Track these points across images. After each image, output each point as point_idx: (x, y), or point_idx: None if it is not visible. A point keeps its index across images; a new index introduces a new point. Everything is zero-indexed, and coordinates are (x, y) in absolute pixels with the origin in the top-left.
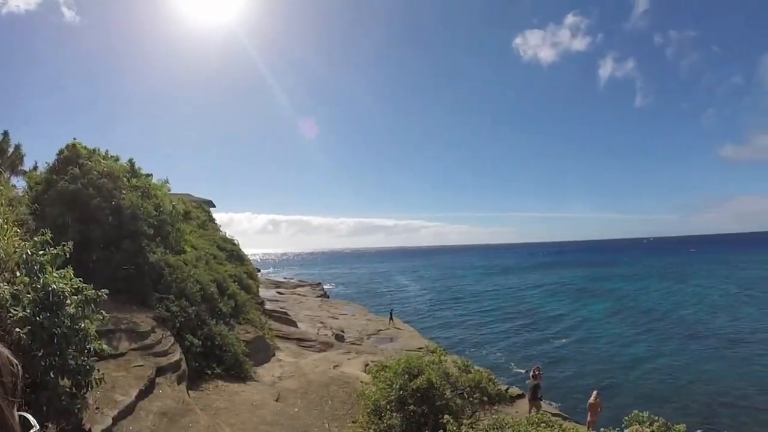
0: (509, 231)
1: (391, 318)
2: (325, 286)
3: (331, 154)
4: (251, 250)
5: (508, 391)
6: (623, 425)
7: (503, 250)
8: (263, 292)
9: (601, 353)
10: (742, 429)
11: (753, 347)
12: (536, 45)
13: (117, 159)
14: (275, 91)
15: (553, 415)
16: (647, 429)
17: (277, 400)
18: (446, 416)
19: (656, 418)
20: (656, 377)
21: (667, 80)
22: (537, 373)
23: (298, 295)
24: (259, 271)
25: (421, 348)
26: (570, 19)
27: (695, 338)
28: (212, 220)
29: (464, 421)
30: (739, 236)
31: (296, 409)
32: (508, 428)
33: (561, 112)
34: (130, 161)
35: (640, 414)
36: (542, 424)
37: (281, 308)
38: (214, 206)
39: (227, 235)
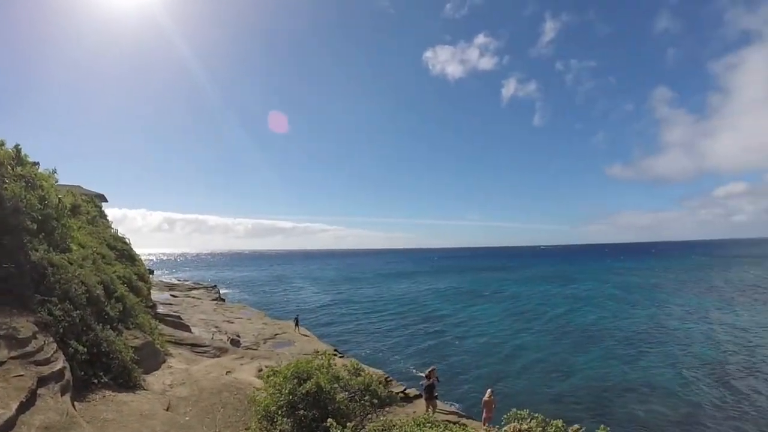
0: (408, 237)
1: (296, 325)
2: (221, 290)
3: (231, 153)
4: (146, 250)
5: (406, 391)
6: (502, 422)
7: (401, 254)
8: (156, 295)
9: (494, 353)
10: (620, 420)
11: (628, 344)
12: (445, 60)
13: (2, 144)
14: (179, 87)
15: (450, 413)
16: (525, 426)
17: (167, 410)
18: (329, 420)
19: (536, 414)
20: (548, 374)
21: (564, 103)
22: (431, 375)
23: (193, 298)
24: (152, 272)
25: (319, 352)
26: (480, 39)
27: (583, 337)
28: (103, 216)
29: (348, 424)
30: (619, 246)
31: (187, 418)
32: (396, 429)
33: (464, 125)
34: (17, 147)
35: (520, 411)
36: (428, 424)
37: (174, 312)
38: (106, 201)
39: (119, 233)
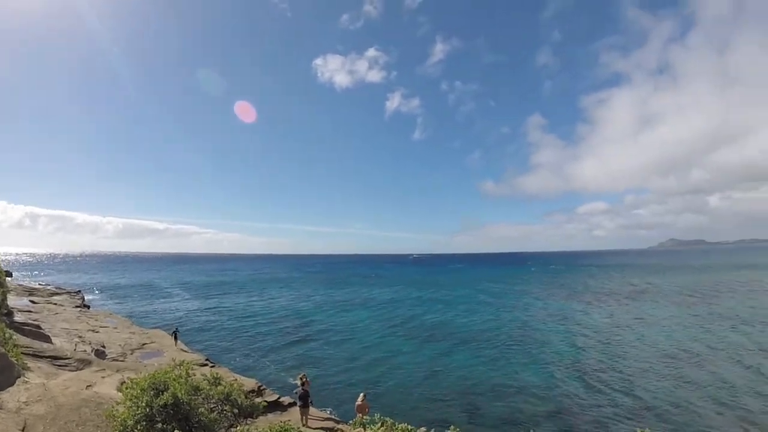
0: (290, 242)
1: (175, 338)
2: (86, 295)
3: (100, 145)
4: (4, 248)
5: (280, 400)
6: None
7: (281, 260)
8: (12, 301)
9: (367, 357)
10: (489, 419)
11: (495, 345)
12: (335, 69)
13: None
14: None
15: (326, 419)
16: (370, 429)
17: (23, 430)
18: None
19: (386, 419)
20: (420, 377)
21: (445, 121)
22: (304, 380)
23: (55, 304)
24: (10, 275)
25: (178, 362)
26: (371, 52)
27: (453, 341)
28: None
29: None
30: (490, 255)
31: None
32: None
33: (347, 134)
34: None
35: (365, 417)
36: None
37: (33, 320)
38: None
39: None
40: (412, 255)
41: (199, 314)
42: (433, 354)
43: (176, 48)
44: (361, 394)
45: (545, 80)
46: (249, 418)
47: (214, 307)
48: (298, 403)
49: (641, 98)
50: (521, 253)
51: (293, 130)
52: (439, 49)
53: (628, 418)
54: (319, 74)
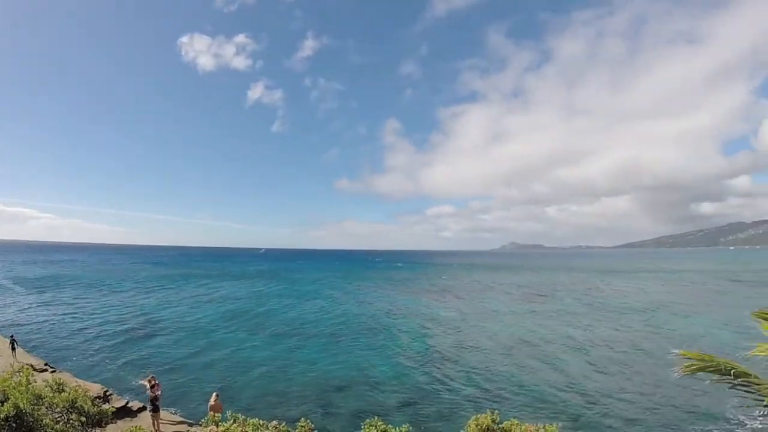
0: (137, 232)
1: (13, 348)
2: None
3: None
4: None
5: (129, 405)
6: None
7: (125, 252)
8: None
9: (218, 356)
10: (344, 413)
11: (347, 339)
12: (200, 50)
13: None
14: None
15: (179, 423)
16: (222, 426)
17: None
18: None
19: (237, 415)
20: (273, 374)
21: (305, 116)
22: (153, 383)
23: None
24: None
25: (16, 368)
26: (241, 38)
27: (305, 337)
28: None
29: None
30: (342, 251)
31: None
32: None
33: (203, 119)
34: None
35: (217, 415)
36: None
37: None
38: None
39: None
40: (261, 249)
41: (33, 312)
42: (284, 349)
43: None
44: (214, 394)
45: (407, 88)
46: (97, 427)
47: (50, 303)
48: (149, 408)
49: (494, 116)
50: (373, 250)
51: (147, 109)
52: (309, 45)
53: (474, 404)
54: (183, 53)
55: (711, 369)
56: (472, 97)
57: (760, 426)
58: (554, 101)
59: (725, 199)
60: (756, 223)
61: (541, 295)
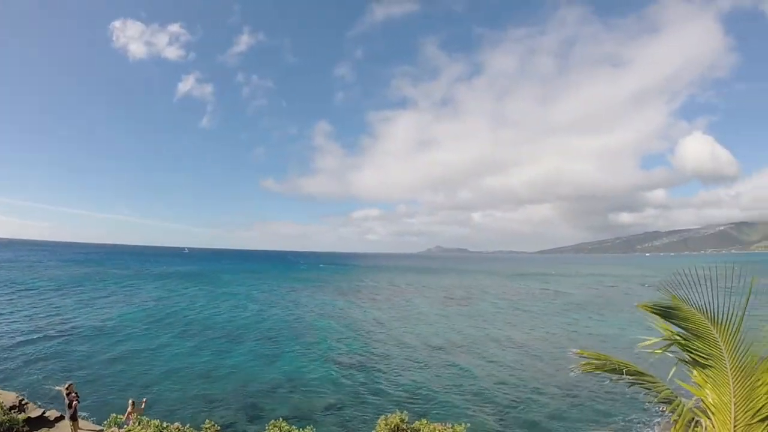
0: (43, 225)
1: None
2: None
3: None
4: None
5: (45, 414)
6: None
7: (29, 247)
8: None
9: (139, 360)
10: (271, 417)
11: (272, 343)
12: (132, 36)
13: None
14: None
15: (98, 431)
16: (125, 428)
17: None
18: None
19: (155, 420)
20: (197, 378)
21: (235, 113)
22: (71, 391)
23: None
24: None
25: None
26: (175, 27)
27: (229, 339)
28: None
29: None
30: (268, 252)
31: None
32: None
33: (129, 108)
34: None
35: (120, 416)
36: None
37: None
38: None
39: None
40: (185, 249)
41: None
42: (207, 352)
43: None
44: (130, 401)
45: (338, 91)
46: None
47: None
48: (67, 416)
49: (423, 123)
50: (299, 252)
51: (71, 94)
52: (244, 41)
53: (399, 404)
54: (114, 38)
55: (606, 368)
56: (403, 103)
57: (658, 422)
58: (484, 112)
59: (642, 210)
60: (670, 233)
61: (462, 298)
